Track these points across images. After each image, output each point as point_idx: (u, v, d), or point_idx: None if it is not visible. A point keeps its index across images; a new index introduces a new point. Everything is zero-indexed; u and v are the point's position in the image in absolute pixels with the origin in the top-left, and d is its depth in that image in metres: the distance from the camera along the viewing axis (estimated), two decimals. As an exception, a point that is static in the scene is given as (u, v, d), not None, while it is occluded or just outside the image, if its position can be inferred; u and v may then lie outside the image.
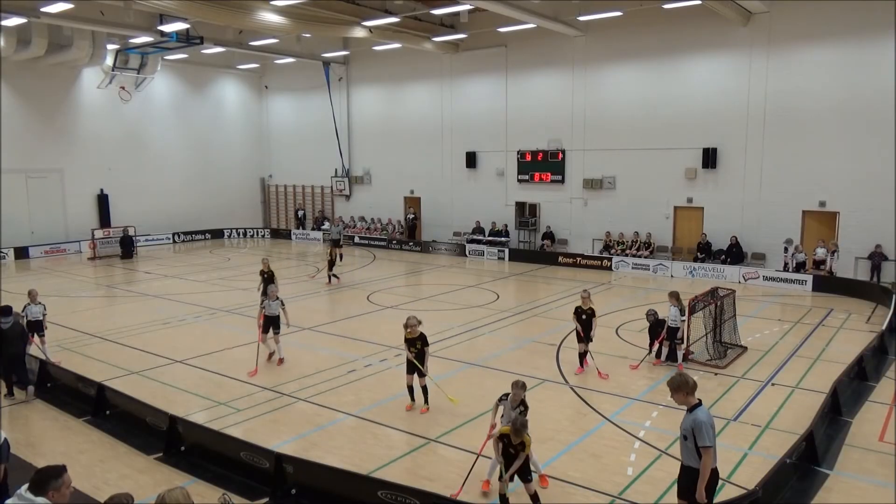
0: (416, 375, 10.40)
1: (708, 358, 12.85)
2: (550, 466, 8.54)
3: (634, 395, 11.17)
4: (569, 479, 8.19)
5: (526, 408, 8.00)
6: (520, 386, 7.97)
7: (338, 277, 22.35)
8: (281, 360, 13.14)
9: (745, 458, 8.72)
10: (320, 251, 29.84)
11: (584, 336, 12.18)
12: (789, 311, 17.81)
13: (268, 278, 16.29)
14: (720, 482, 8.01)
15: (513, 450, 7.07)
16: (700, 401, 6.17)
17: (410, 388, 10.54)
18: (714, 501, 7.48)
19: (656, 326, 13.02)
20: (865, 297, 18.89)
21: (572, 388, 11.56)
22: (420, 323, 10.32)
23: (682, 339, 12.62)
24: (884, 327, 14.28)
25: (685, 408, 6.19)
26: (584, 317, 12.13)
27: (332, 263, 22.41)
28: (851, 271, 20.86)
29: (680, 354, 12.68)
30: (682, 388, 6.09)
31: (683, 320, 12.52)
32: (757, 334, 14.99)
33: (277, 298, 13.14)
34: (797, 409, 10.37)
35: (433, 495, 7.20)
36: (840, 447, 9.04)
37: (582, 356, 12.37)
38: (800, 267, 21.16)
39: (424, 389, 10.43)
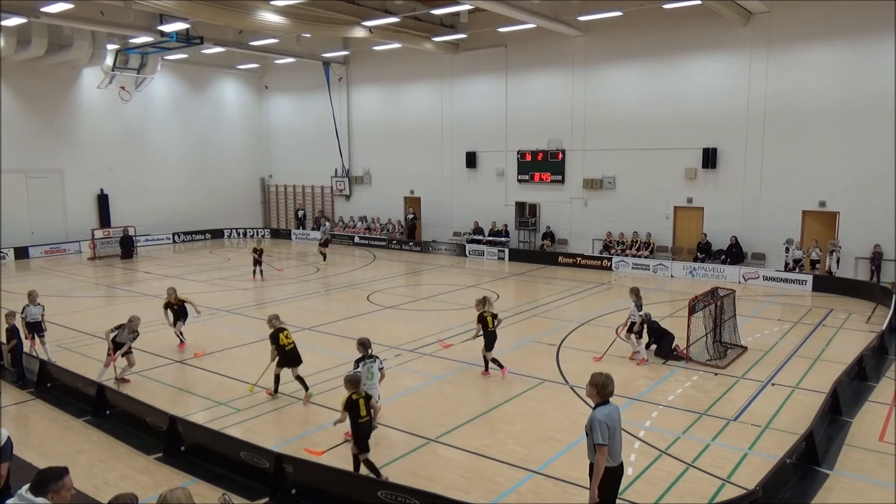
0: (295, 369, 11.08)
1: (708, 358, 12.86)
2: (550, 466, 8.55)
3: (634, 395, 11.16)
4: (569, 479, 8.18)
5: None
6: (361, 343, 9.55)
7: (262, 276, 22.97)
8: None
9: (745, 458, 8.72)
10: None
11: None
12: (789, 311, 17.80)
13: (177, 311, 14.14)
14: (722, 482, 8.05)
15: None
16: (608, 402, 6.26)
17: (277, 378, 11.15)
18: (714, 502, 7.52)
19: (651, 327, 13.42)
20: (865, 297, 18.89)
21: (572, 388, 11.55)
22: (273, 318, 11.00)
23: (639, 332, 13.01)
24: (884, 327, 14.28)
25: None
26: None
27: (259, 261, 22.95)
28: (851, 271, 20.86)
29: (642, 349, 13.09)
30: (596, 388, 6.28)
31: (641, 315, 12.93)
32: (757, 334, 14.99)
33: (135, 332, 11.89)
34: (797, 409, 10.37)
35: (433, 495, 7.20)
36: (840, 447, 9.04)
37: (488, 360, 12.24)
38: (796, 264, 21.18)
39: (299, 379, 11.00)
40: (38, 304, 13.15)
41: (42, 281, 22.33)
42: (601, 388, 6.26)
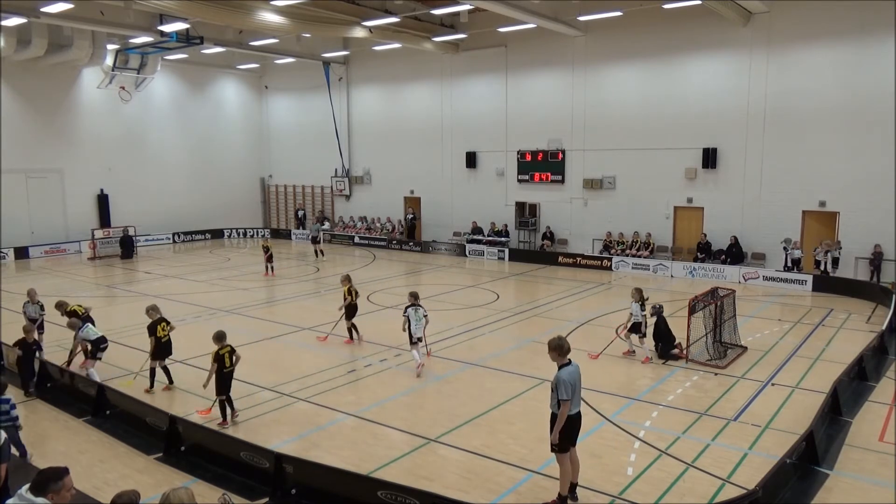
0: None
1: (708, 358, 12.85)
2: (550, 466, 8.52)
3: (634, 395, 11.17)
4: (569, 479, 8.17)
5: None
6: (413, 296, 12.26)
7: (273, 271, 23.78)
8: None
9: (745, 458, 8.72)
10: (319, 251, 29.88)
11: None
12: (789, 311, 17.80)
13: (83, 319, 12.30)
14: (722, 482, 8.05)
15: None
16: (570, 361, 7.29)
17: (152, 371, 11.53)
18: (714, 502, 7.53)
19: (657, 324, 13.40)
20: (865, 297, 18.89)
21: (572, 388, 11.54)
22: (152, 308, 11.70)
23: (644, 333, 13.11)
24: (884, 327, 14.28)
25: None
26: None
27: (270, 257, 23.75)
28: (851, 271, 20.86)
29: (645, 348, 13.17)
30: (555, 349, 7.29)
31: (644, 314, 13.08)
32: (757, 334, 14.99)
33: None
34: (797, 409, 10.37)
35: (433, 495, 7.20)
36: (840, 447, 9.04)
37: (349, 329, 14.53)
38: (795, 263, 21.16)
39: (164, 369, 11.60)
40: (37, 302, 13.14)
41: (42, 281, 22.32)
42: (560, 350, 7.26)
